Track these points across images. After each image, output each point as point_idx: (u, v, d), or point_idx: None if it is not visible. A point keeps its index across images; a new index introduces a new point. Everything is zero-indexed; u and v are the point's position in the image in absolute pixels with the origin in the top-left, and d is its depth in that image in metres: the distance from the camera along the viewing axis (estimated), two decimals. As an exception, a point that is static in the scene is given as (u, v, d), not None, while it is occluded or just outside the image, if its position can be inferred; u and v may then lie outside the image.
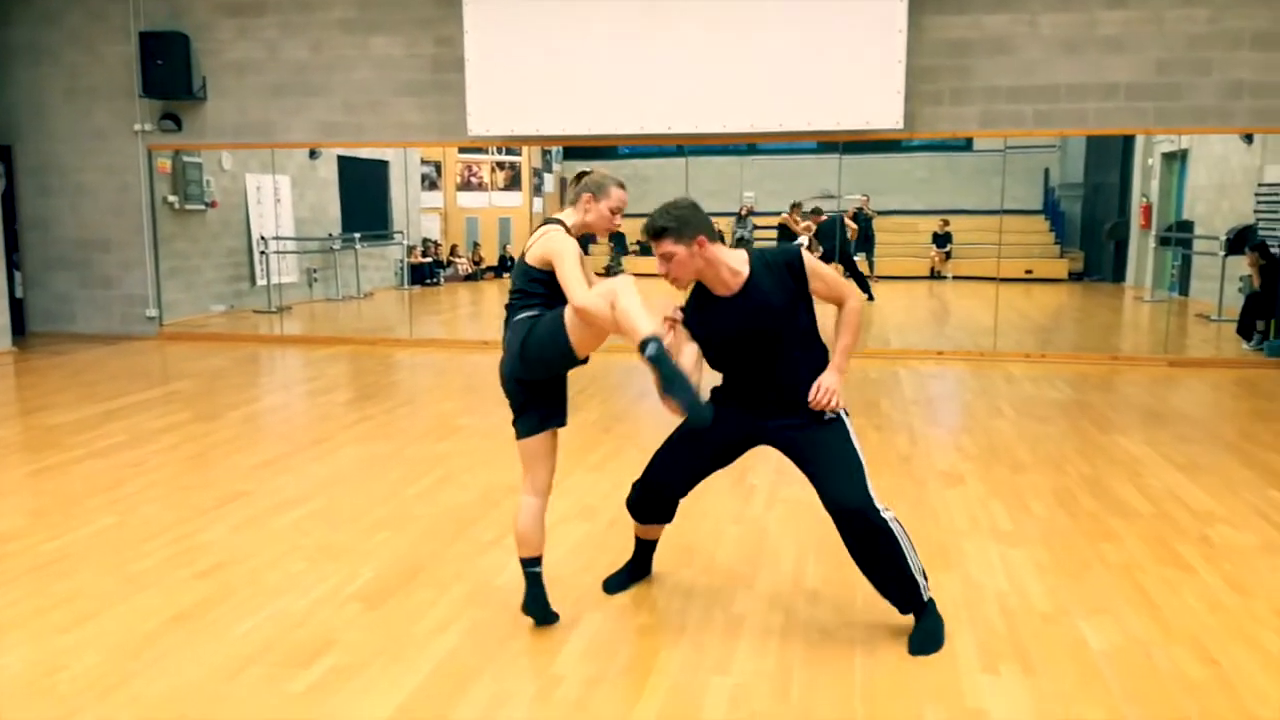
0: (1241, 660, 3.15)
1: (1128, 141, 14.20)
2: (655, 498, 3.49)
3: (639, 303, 2.95)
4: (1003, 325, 9.85)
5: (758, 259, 3.22)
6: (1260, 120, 8.45)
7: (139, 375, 8.37)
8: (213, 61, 10.01)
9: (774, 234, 16.81)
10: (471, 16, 9.22)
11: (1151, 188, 13.47)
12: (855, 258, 13.67)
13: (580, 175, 3.36)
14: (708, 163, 16.47)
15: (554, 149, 18.36)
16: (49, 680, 3.02)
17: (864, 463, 3.19)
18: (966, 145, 15.58)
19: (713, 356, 3.30)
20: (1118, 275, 14.79)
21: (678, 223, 3.11)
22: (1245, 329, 9.49)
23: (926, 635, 3.23)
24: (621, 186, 3.34)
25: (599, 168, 3.35)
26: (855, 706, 2.88)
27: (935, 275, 15.86)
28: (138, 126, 10.24)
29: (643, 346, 2.89)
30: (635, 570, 3.73)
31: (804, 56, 8.79)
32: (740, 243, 17.34)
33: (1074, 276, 15.52)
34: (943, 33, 8.72)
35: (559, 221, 3.27)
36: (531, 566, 3.36)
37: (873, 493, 3.13)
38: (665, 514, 3.56)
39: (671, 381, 2.89)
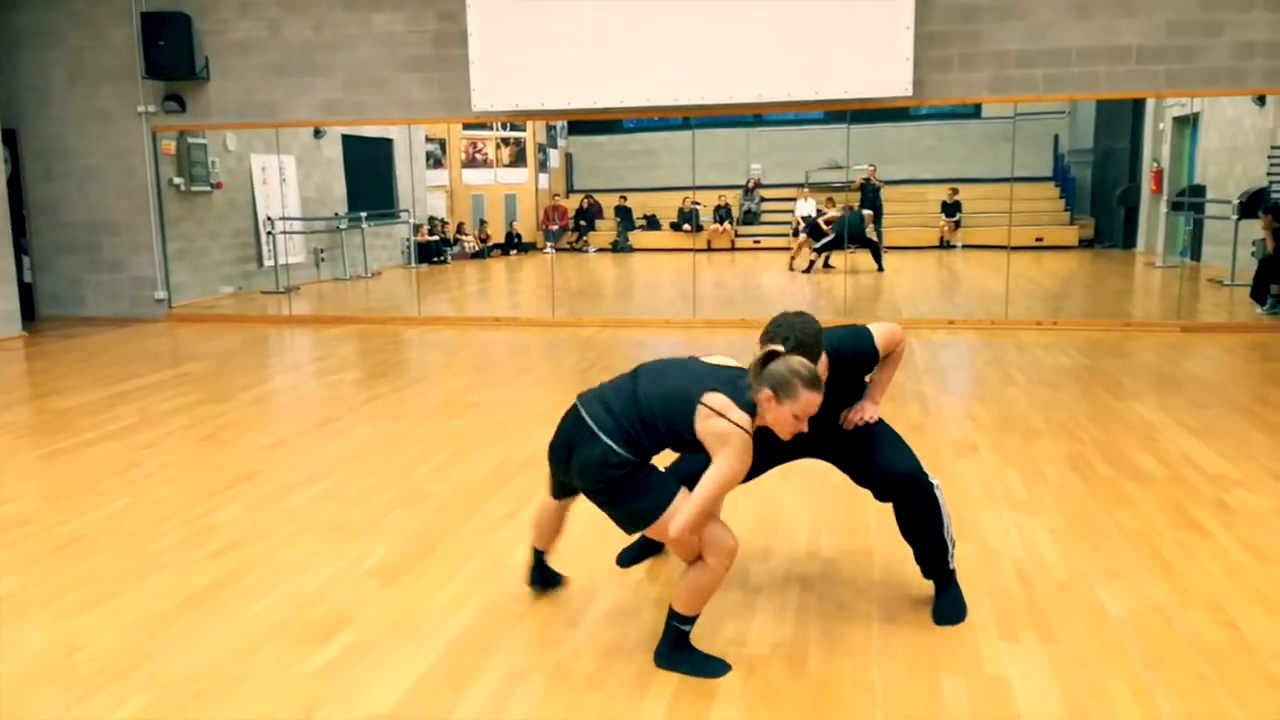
0: (1260, 623, 3.13)
1: (1138, 106, 14.07)
2: None
3: (718, 583, 2.86)
4: (1013, 293, 9.79)
5: (834, 358, 3.11)
6: (1273, 81, 8.33)
7: (149, 358, 8.38)
8: (215, 41, 9.95)
9: (783, 205, 16.79)
10: (474, -10, 9.14)
11: (1162, 152, 13.35)
12: (865, 231, 13.60)
13: (768, 356, 2.72)
14: (714, 135, 16.40)
15: (559, 124, 18.27)
16: (67, 661, 3.03)
17: None
18: (975, 112, 15.45)
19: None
20: (1129, 241, 14.69)
21: (801, 350, 2.89)
22: (1259, 293, 9.40)
23: (952, 605, 3.24)
24: (813, 385, 2.70)
25: (790, 358, 2.72)
26: (873, 676, 2.87)
27: (945, 245, 15.77)
28: (141, 108, 10.20)
29: (684, 620, 2.89)
30: (649, 544, 3.72)
31: (811, 24, 8.69)
32: (748, 215, 17.29)
33: (1085, 243, 15.42)
34: (951, -3, 8.61)
35: (752, 413, 2.70)
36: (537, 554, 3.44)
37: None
38: None
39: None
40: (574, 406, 2.92)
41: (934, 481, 3.21)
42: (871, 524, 3.99)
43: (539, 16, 9.11)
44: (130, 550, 3.92)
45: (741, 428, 2.66)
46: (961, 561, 3.43)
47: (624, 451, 2.75)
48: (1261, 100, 10.38)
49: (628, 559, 3.67)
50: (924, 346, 8.21)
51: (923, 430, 5.51)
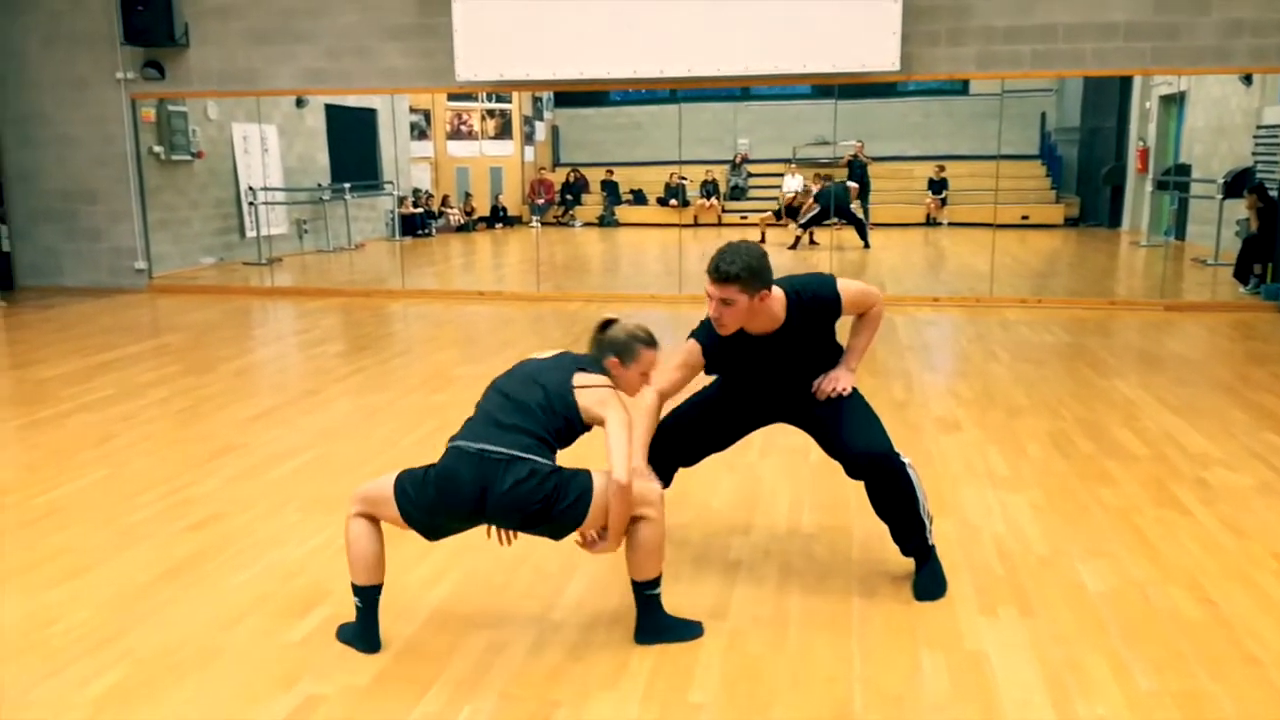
0: (1238, 601, 3.15)
1: (1125, 84, 14.06)
2: (658, 464, 3.32)
3: (664, 531, 2.88)
4: (999, 271, 9.80)
5: (794, 301, 3.11)
6: (1259, 60, 8.32)
7: (129, 328, 8.30)
8: (195, 7, 9.79)
9: (770, 180, 16.70)
10: (459, -42, 9.01)
11: (1149, 131, 13.35)
12: (850, 205, 13.55)
13: (605, 324, 2.95)
14: (702, 109, 16.29)
15: (545, 96, 18.12)
16: (41, 634, 3.00)
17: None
18: (962, 89, 15.39)
19: (730, 381, 3.33)
20: (1114, 220, 14.71)
21: (750, 274, 2.93)
22: (1242, 272, 9.44)
23: (931, 580, 3.23)
24: (650, 343, 2.91)
25: (625, 322, 2.93)
26: (853, 650, 2.87)
27: (931, 222, 15.75)
28: (120, 75, 10.05)
29: (650, 585, 2.88)
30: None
31: (799, -3, 8.63)
32: (735, 190, 17.22)
33: (1070, 222, 15.44)
34: (940, -28, 8.55)
35: (607, 381, 2.88)
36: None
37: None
38: (663, 479, 3.48)
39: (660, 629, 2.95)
40: (461, 451, 2.76)
41: (906, 460, 3.17)
42: (852, 500, 3.98)
43: (525, -14, 8.99)
44: (108, 522, 3.89)
45: (604, 385, 2.86)
46: (942, 537, 3.43)
47: (548, 461, 2.76)
48: (1248, 79, 10.38)
49: (608, 533, 3.66)
50: (909, 323, 8.21)
51: (906, 407, 5.51)
